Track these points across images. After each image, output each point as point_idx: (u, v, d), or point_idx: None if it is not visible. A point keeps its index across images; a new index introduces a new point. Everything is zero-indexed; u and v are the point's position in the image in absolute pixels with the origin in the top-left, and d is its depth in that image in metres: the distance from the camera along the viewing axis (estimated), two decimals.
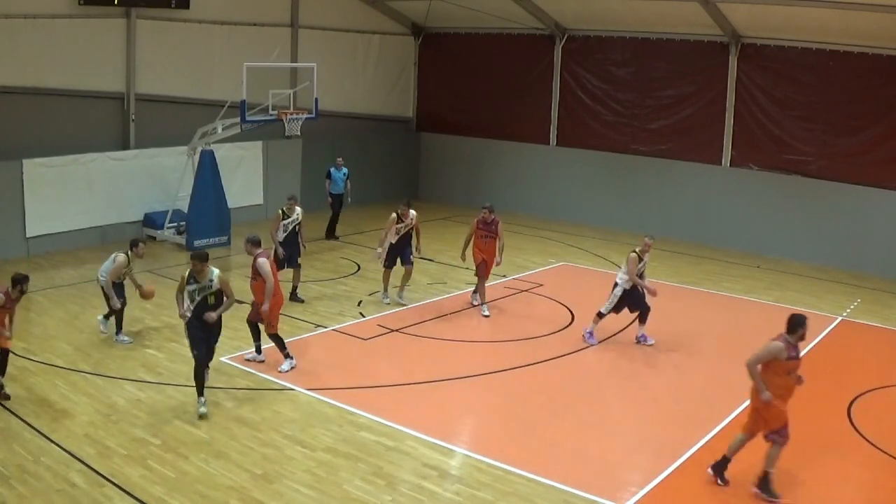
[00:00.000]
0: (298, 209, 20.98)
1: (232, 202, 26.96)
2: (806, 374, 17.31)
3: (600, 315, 18.79)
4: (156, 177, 26.93)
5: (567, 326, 20.16)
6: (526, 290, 23.05)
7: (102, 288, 17.59)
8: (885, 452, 14.14)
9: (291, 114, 25.40)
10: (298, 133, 25.95)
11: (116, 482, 11.64)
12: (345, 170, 28.37)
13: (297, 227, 20.81)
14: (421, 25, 36.26)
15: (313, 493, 11.66)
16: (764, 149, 29.78)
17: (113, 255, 17.72)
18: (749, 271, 26.66)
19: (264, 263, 16.42)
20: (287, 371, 16.32)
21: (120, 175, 26.26)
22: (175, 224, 26.44)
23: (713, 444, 13.98)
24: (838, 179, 28.39)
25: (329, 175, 28.27)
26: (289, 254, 20.72)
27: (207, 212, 25.91)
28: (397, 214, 20.54)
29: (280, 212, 20.91)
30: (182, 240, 25.86)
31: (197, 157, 26.24)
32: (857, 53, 27.71)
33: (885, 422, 15.67)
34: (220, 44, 29.02)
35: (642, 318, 18.92)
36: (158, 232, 26.45)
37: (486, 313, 20.79)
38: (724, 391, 16.21)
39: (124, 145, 27.23)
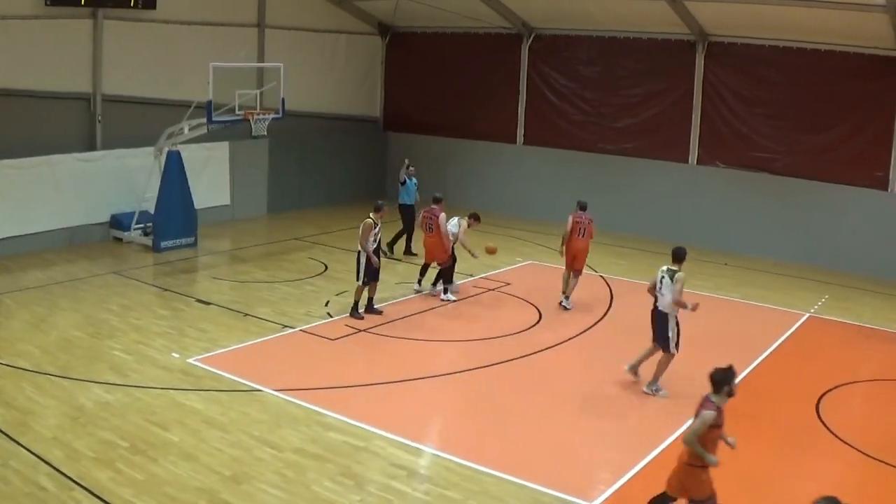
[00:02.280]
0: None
1: (199, 203, 26.82)
2: (775, 370, 17.54)
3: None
4: (122, 178, 26.70)
5: (535, 325, 20.22)
6: (494, 289, 23.10)
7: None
8: (854, 448, 14.27)
9: (258, 114, 25.27)
10: (265, 133, 25.82)
11: (85, 485, 11.56)
12: (415, 178, 27.03)
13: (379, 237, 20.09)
14: (388, 25, 36.23)
15: (282, 493, 11.63)
16: (731, 147, 29.95)
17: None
18: (717, 269, 26.80)
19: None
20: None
21: (86, 176, 26.06)
22: (142, 225, 26.26)
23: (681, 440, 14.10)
24: (805, 177, 28.59)
25: (403, 182, 26.75)
26: (368, 267, 19.78)
27: (174, 213, 25.75)
28: (373, 219, 19.74)
29: (370, 220, 19.72)
30: (149, 241, 25.70)
31: (163, 157, 26.08)
32: (825, 51, 27.92)
33: (853, 417, 15.83)
34: (187, 44, 28.82)
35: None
36: (125, 233, 26.28)
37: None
38: (693, 387, 16.24)
39: (91, 146, 27.04)
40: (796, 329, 21.18)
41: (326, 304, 20.79)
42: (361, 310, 20.02)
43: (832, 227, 28.17)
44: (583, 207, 22.36)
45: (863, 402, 16.84)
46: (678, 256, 16.11)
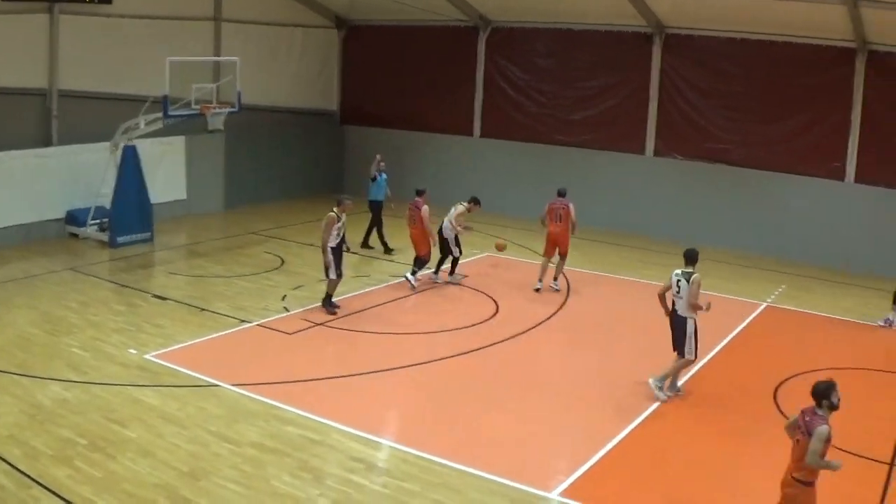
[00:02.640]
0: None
1: (155, 198, 26.69)
2: (732, 360, 17.72)
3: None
4: (78, 173, 26.47)
5: (492, 317, 20.30)
6: (450, 282, 23.19)
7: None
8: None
9: (214, 108, 25.24)
10: (221, 127, 25.77)
11: (43, 483, 11.51)
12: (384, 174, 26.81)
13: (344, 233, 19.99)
14: (344, 18, 36.16)
15: (241, 489, 11.64)
16: (687, 138, 30.16)
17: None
18: (673, 259, 26.62)
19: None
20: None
21: (42, 172, 25.81)
22: (98, 221, 26.09)
23: (639, 430, 14.28)
24: (761, 167, 28.88)
25: (374, 178, 26.43)
26: (337, 261, 19.75)
27: (130, 208, 25.61)
28: (335, 213, 19.62)
29: (333, 214, 19.61)
30: (105, 237, 25.57)
31: (119, 152, 25.92)
32: (782, 43, 28.18)
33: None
34: (143, 38, 28.57)
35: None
36: (81, 229, 26.12)
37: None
38: (648, 373, 16.43)
39: (46, 142, 26.85)
40: (753, 318, 21.41)
41: (283, 299, 20.77)
42: (335, 299, 20.08)
43: (789, 217, 28.46)
44: (561, 194, 23.02)
45: None
46: (691, 258, 16.04)
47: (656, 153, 30.86)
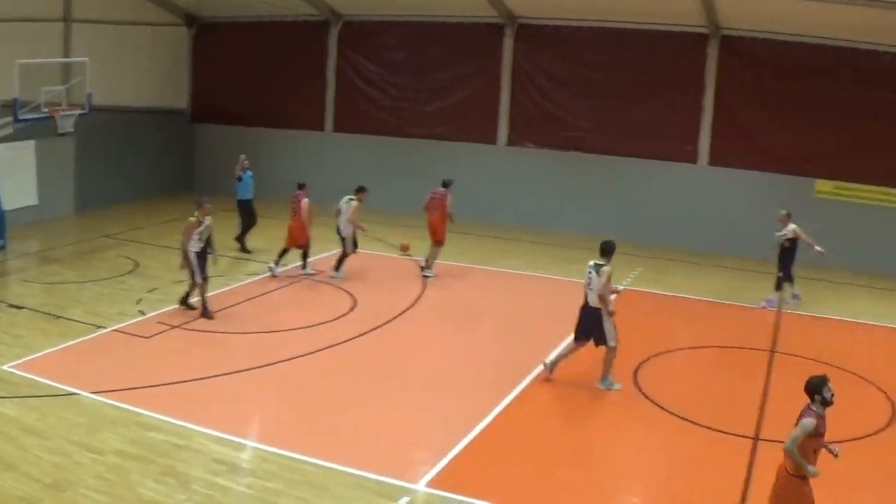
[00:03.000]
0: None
1: (6, 204, 26.08)
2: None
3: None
4: None
5: (350, 312, 20.44)
6: (307, 278, 23.33)
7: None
8: (674, 414, 15.00)
9: (63, 110, 24.85)
10: (71, 129, 25.34)
11: None
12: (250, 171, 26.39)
13: (209, 236, 19.64)
14: (194, 15, 35.89)
15: (106, 498, 11.50)
16: (541, 127, 30.76)
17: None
18: (531, 247, 27.47)
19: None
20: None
21: None
22: None
23: (503, 417, 14.55)
24: (616, 153, 29.68)
25: (239, 178, 26.05)
26: (201, 265, 19.48)
27: None
28: (196, 217, 19.29)
29: (193, 219, 19.31)
30: None
31: None
32: (635, 30, 28.95)
33: (671, 384, 16.48)
34: None
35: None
36: None
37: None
38: (511, 364, 16.77)
39: None
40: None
41: (139, 303, 20.53)
42: (194, 300, 19.90)
43: (643, 201, 29.31)
44: (444, 185, 23.72)
45: (678, 369, 17.51)
46: (605, 250, 16.19)
47: (509, 143, 31.38)
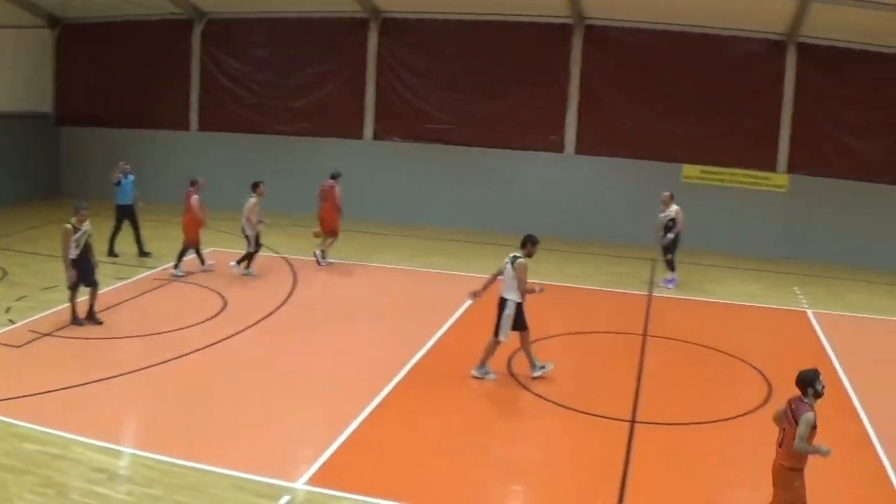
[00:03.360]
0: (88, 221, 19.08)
1: None
2: (465, 334, 18.14)
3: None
4: None
5: (221, 312, 20.26)
6: (176, 280, 23.05)
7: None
8: (549, 400, 15.26)
9: None
10: None
11: None
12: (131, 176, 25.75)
13: (88, 241, 19.00)
14: (58, 17, 35.10)
15: None
16: (407, 120, 30.91)
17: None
18: (401, 241, 27.57)
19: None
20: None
21: None
22: None
23: (380, 410, 14.55)
24: (482, 145, 30.04)
25: (118, 183, 25.32)
26: (83, 271, 18.87)
27: None
28: (72, 224, 18.63)
29: (68, 226, 18.64)
30: None
31: None
32: (498, 22, 29.29)
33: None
34: None
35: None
36: None
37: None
38: (384, 358, 16.83)
39: None
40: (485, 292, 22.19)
41: (7, 311, 20.11)
42: (82, 316, 19.21)
43: (511, 192, 29.67)
44: (332, 177, 24.42)
45: (552, 356, 17.66)
46: (523, 243, 16.25)
47: (375, 137, 31.46)
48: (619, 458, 13.11)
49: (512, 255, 16.10)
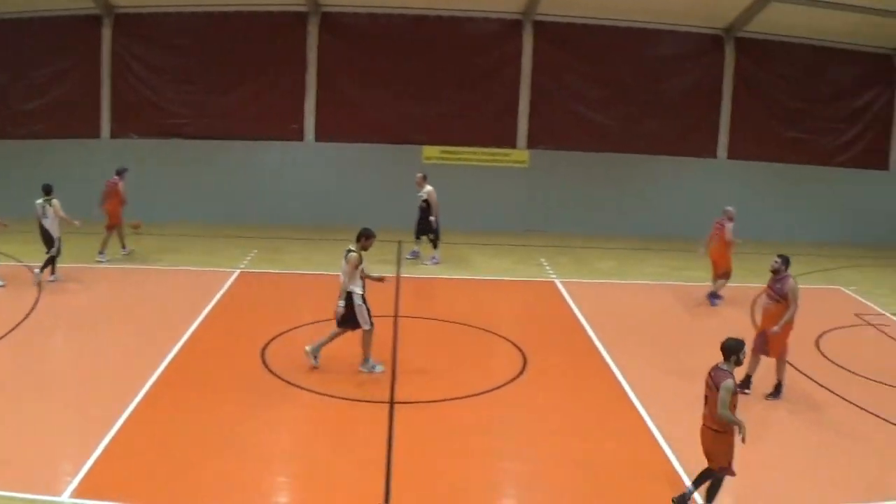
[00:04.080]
0: None
1: None
2: (217, 329, 18.09)
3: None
4: None
5: (24, 319, 19.34)
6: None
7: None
8: (307, 389, 15.39)
9: None
10: None
11: None
12: None
13: None
14: None
15: None
16: (144, 116, 30.47)
17: None
18: (141, 239, 26.91)
19: None
20: None
21: None
22: None
23: (137, 414, 14.24)
24: (221, 137, 30.11)
25: None
26: None
27: None
28: None
29: None
30: None
31: None
32: (231, 12, 29.55)
33: (300, 361, 16.72)
34: None
35: None
36: None
37: None
38: (136, 362, 16.46)
39: None
40: (230, 286, 22.17)
41: None
42: None
43: (251, 183, 29.76)
44: (117, 173, 24.63)
45: (306, 343, 17.80)
46: (357, 237, 16.20)
47: (112, 135, 30.83)
48: (381, 440, 13.39)
49: (347, 248, 16.15)
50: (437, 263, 25.21)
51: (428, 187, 24.78)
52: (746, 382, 15.74)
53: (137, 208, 29.09)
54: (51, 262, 22.39)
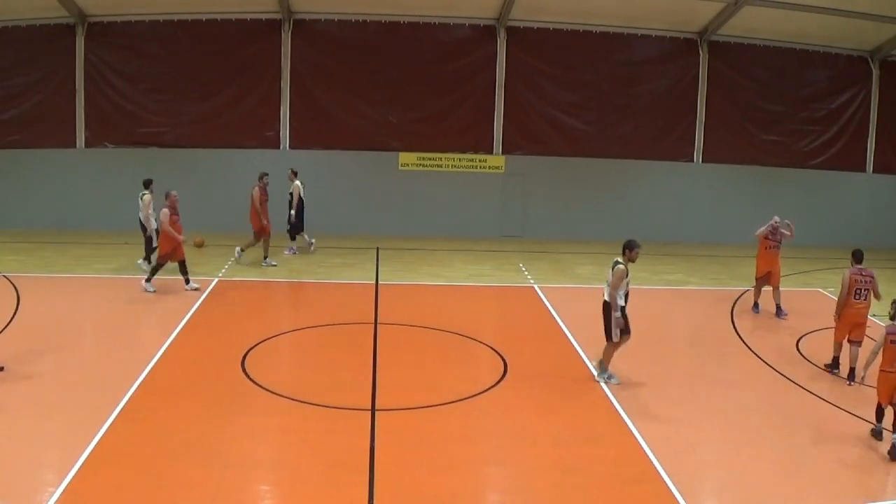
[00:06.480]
0: None
1: None
2: (196, 336, 17.97)
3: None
4: None
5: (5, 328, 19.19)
6: None
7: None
8: (288, 397, 15.27)
9: None
10: None
11: None
12: None
13: None
14: None
15: None
16: (119, 126, 30.42)
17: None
18: (122, 250, 26.90)
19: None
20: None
21: None
22: None
23: (117, 425, 14.08)
24: (197, 145, 30.09)
25: None
26: None
27: None
28: None
29: None
30: None
31: None
32: (205, 21, 29.47)
33: (280, 369, 16.73)
34: None
35: None
36: None
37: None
38: (115, 373, 16.35)
39: None
40: (209, 293, 22.23)
41: None
42: None
43: (225, 192, 29.68)
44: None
45: (286, 353, 17.72)
46: (622, 248, 16.28)
47: (88, 144, 30.67)
48: (363, 448, 13.30)
49: (614, 260, 16.38)
50: (294, 254, 26.63)
51: (296, 182, 25.82)
52: (835, 363, 17.20)
53: (113, 218, 29.11)
54: (150, 251, 23.67)
